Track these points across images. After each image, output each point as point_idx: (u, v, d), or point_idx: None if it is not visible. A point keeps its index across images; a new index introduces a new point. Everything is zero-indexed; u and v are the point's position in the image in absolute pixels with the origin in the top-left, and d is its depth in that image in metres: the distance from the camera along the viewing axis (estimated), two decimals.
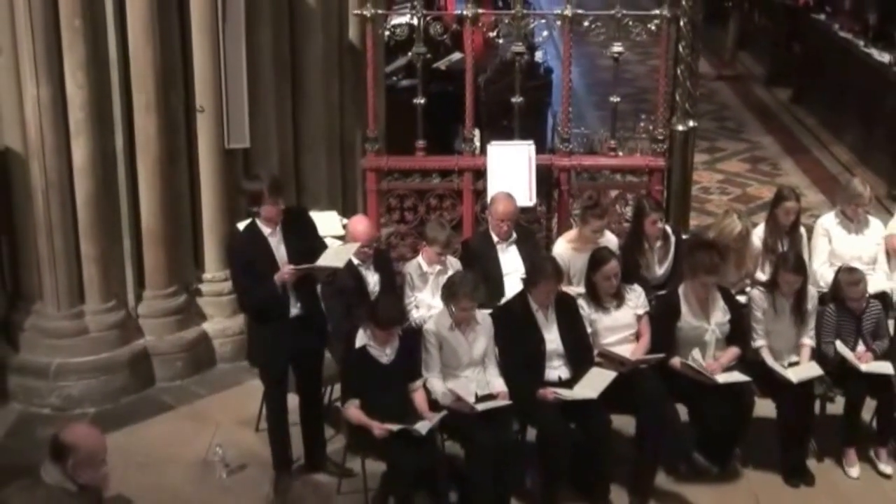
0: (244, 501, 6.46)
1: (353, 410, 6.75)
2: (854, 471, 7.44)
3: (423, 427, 6.58)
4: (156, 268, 8.22)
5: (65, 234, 7.82)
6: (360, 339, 6.83)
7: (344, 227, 7.84)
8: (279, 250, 6.83)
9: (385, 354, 6.81)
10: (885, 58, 12.43)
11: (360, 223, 7.60)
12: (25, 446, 7.36)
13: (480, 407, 6.81)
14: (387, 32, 8.67)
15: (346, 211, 8.44)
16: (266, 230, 6.83)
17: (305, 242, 6.95)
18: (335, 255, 6.98)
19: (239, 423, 7.79)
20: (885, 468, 7.47)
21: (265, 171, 7.48)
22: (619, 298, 7.31)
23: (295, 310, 6.93)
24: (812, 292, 7.52)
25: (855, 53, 13.24)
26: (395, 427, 6.55)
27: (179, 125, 8.13)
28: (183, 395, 8.23)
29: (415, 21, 8.64)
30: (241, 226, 7.89)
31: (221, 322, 8.55)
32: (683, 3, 8.44)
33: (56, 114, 7.58)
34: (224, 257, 8.31)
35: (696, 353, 7.19)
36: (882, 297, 7.76)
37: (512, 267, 7.67)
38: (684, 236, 8.37)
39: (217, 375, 8.48)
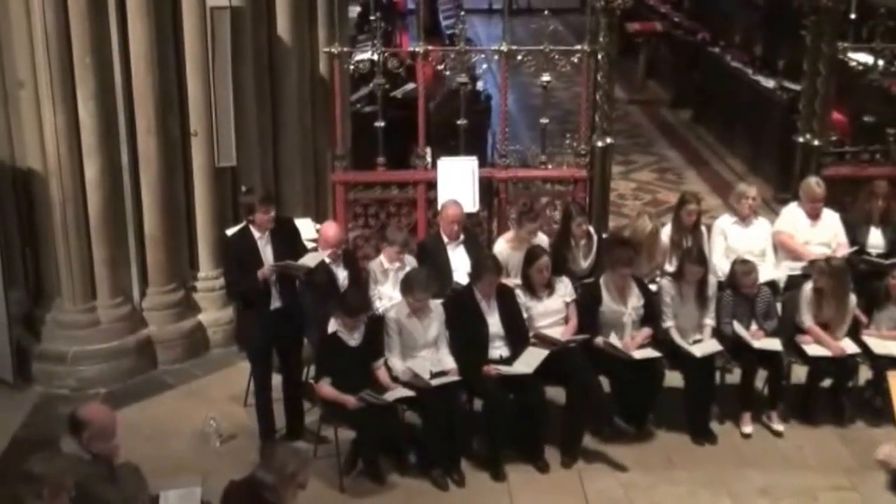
0: (235, 466, 6.35)
1: (326, 387, 6.75)
2: (749, 430, 7.45)
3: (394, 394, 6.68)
4: (157, 268, 8.18)
5: (79, 240, 7.80)
6: (332, 325, 6.86)
7: (317, 231, 7.79)
8: (266, 252, 6.95)
9: (353, 339, 6.80)
10: (770, 83, 12.54)
11: (330, 228, 7.69)
12: (47, 422, 7.31)
13: (434, 382, 6.83)
14: (351, 67, 8.64)
15: (319, 218, 8.40)
16: (257, 234, 6.96)
17: (290, 247, 7.05)
18: (310, 258, 7.09)
19: (230, 400, 7.73)
20: (776, 427, 7.48)
21: (261, 186, 7.61)
22: (550, 288, 7.30)
23: (277, 303, 7.00)
24: (712, 281, 7.55)
25: (744, 80, 13.34)
26: (368, 397, 6.58)
27: (176, 147, 8.09)
28: (182, 376, 8.17)
29: (375, 57, 8.66)
30: (230, 232, 7.95)
31: (214, 313, 8.49)
32: (601, 39, 8.41)
33: (70, 138, 7.57)
34: (215, 258, 8.37)
35: (613, 336, 7.19)
36: (771, 284, 7.79)
37: (460, 263, 7.62)
38: (604, 235, 8.37)
39: (211, 359, 8.41)
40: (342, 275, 7.44)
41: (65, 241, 7.76)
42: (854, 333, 7.55)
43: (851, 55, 9.51)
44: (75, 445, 4.99)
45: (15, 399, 7.74)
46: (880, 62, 9.05)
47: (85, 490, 4.50)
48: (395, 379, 6.86)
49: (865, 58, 9.28)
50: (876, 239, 8.11)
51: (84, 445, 4.97)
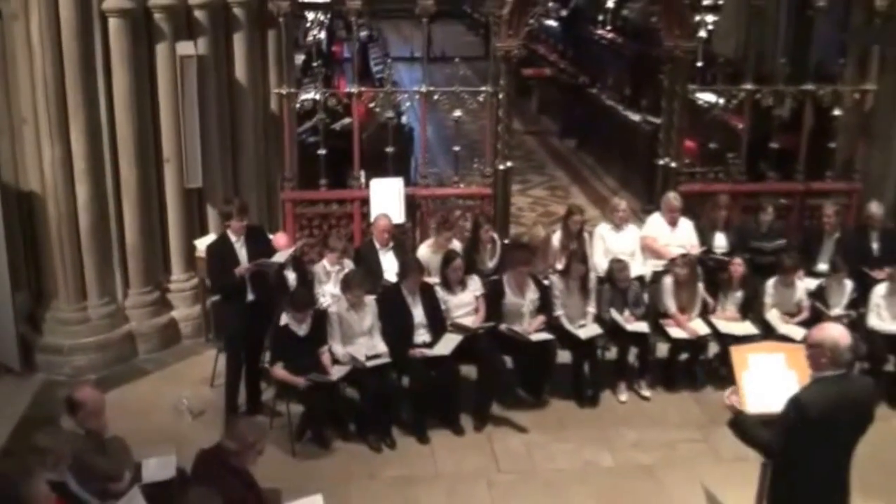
0: (205, 436, 6.23)
1: (279, 370, 6.70)
2: (624, 396, 7.54)
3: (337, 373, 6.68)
4: (137, 273, 8.05)
5: (72, 251, 7.67)
6: (283, 319, 6.78)
7: (271, 239, 7.64)
8: (241, 253, 6.94)
9: (301, 329, 6.75)
10: (636, 117, 12.60)
11: (282, 238, 7.69)
12: (49, 404, 7.15)
13: (369, 364, 6.79)
14: (297, 104, 8.58)
15: (272, 229, 8.28)
16: (233, 238, 6.95)
17: (261, 248, 7.03)
18: (279, 256, 7.11)
19: (199, 382, 7.62)
20: (645, 393, 7.59)
21: (237, 198, 7.50)
22: (463, 285, 7.30)
23: (251, 297, 6.94)
24: (593, 276, 7.61)
25: (617, 114, 13.38)
26: (314, 377, 6.55)
27: (152, 172, 7.96)
28: (158, 363, 8.02)
29: (317, 96, 8.63)
30: (198, 242, 7.97)
31: (185, 310, 8.34)
32: (501, 82, 8.43)
33: (65, 166, 7.47)
34: (185, 264, 8.28)
35: (515, 326, 7.22)
36: (639, 278, 7.87)
37: (389, 266, 7.59)
38: (506, 241, 8.40)
39: (182, 348, 8.26)
40: (291, 276, 7.37)
41: (60, 252, 7.64)
42: (704, 315, 7.68)
43: (699, 95, 9.68)
44: (72, 423, 4.96)
45: (21, 385, 7.58)
46: (721, 100, 9.22)
47: (80, 459, 4.43)
48: (336, 362, 6.81)
49: (710, 97, 9.47)
50: (720, 241, 8.20)
51: (79, 422, 4.93)
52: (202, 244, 7.81)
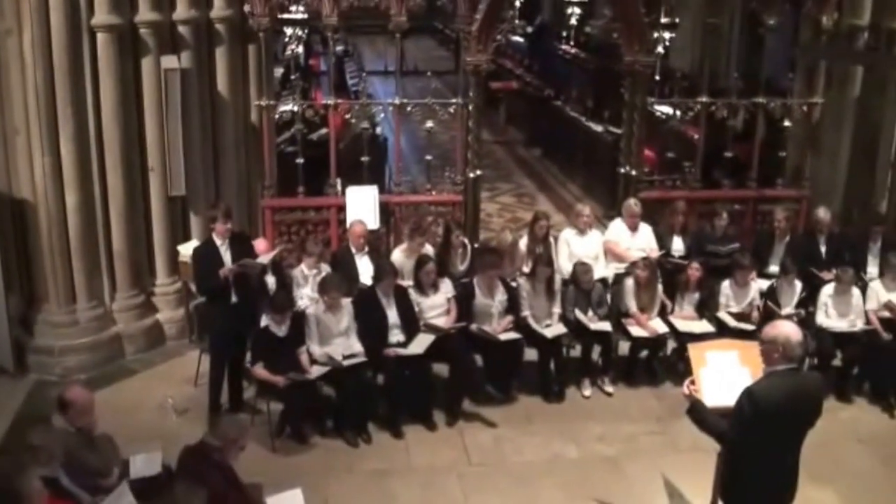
0: (190, 433, 6.18)
1: (260, 370, 6.67)
2: (588, 392, 7.58)
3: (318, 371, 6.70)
4: (123, 277, 8.00)
5: (62, 256, 7.62)
6: (264, 320, 6.75)
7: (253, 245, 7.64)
8: (226, 256, 6.92)
9: (281, 330, 6.72)
10: (599, 128, 12.65)
11: (262, 244, 7.66)
12: (41, 403, 7.07)
13: (346, 363, 6.78)
14: (276, 116, 8.53)
15: (253, 235, 8.24)
16: (218, 242, 6.93)
17: (244, 251, 7.00)
18: (262, 258, 7.13)
19: (183, 381, 7.56)
20: (608, 389, 7.63)
21: (222, 203, 7.46)
22: (435, 287, 7.30)
23: (235, 298, 6.92)
24: (558, 279, 7.64)
25: (580, 125, 13.42)
26: (293, 376, 6.53)
27: (137, 180, 7.91)
28: (144, 364, 7.97)
29: (295, 108, 8.58)
30: (182, 247, 7.94)
31: (169, 313, 8.30)
32: (471, 94, 8.47)
33: (55, 174, 7.43)
34: (169, 269, 8.23)
35: (485, 326, 7.24)
36: (602, 280, 7.91)
37: (365, 269, 7.57)
38: (476, 245, 8.41)
39: (167, 349, 8.21)
40: (271, 280, 7.32)
41: (51, 257, 7.58)
42: (662, 316, 7.76)
43: (657, 107, 9.78)
44: (63, 421, 4.92)
45: (15, 385, 7.51)
46: (678, 112, 9.31)
47: (71, 456, 4.40)
48: (314, 361, 6.78)
49: (667, 109, 9.56)
50: (678, 245, 8.27)
51: (69, 421, 4.89)
52: (185, 249, 7.80)
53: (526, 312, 7.46)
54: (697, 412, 4.74)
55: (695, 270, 7.71)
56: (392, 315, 7.05)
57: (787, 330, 4.52)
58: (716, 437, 4.68)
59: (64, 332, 7.74)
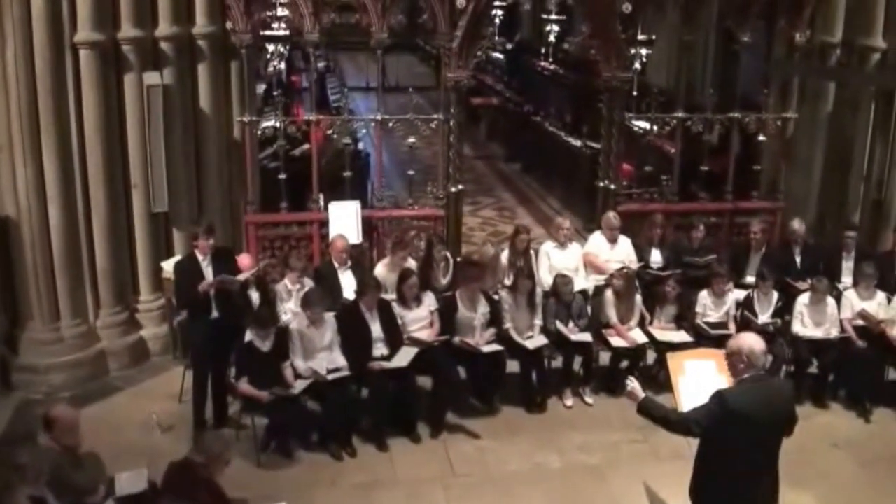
0: (175, 449, 6.17)
1: (244, 385, 6.64)
2: (570, 402, 7.61)
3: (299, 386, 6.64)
4: (107, 294, 7.95)
5: (46, 274, 7.58)
6: (248, 335, 6.72)
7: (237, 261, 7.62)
8: (207, 272, 6.88)
9: (265, 345, 6.70)
10: (577, 143, 12.70)
11: (246, 259, 7.65)
12: (26, 421, 6.98)
13: (330, 377, 6.77)
14: (258, 132, 8.49)
15: (236, 251, 8.20)
16: (200, 257, 6.89)
17: (226, 268, 6.97)
18: (242, 275, 7.08)
19: (168, 398, 7.50)
20: (589, 399, 7.66)
21: (205, 219, 7.46)
22: (418, 301, 7.31)
23: (216, 314, 6.89)
24: (539, 291, 7.66)
25: (559, 140, 13.49)
26: (277, 391, 6.53)
27: (120, 196, 7.88)
28: (129, 380, 7.91)
29: (278, 124, 8.54)
30: (165, 264, 7.90)
31: (152, 329, 8.26)
32: (452, 110, 8.50)
33: (38, 191, 7.39)
34: (153, 285, 8.20)
35: (467, 338, 7.24)
36: (582, 292, 7.94)
37: (348, 284, 7.56)
38: (458, 259, 8.44)
39: (151, 365, 8.16)
40: (255, 295, 7.30)
41: (35, 275, 7.53)
42: (642, 326, 7.79)
43: (635, 122, 9.83)
44: (48, 439, 4.88)
45: (0, 403, 7.41)
46: (655, 127, 9.37)
47: (57, 474, 4.37)
48: (298, 376, 6.75)
49: (644, 124, 9.63)
50: (656, 257, 8.32)
51: (55, 439, 4.86)
52: (169, 266, 7.75)
53: (508, 325, 7.47)
54: (645, 409, 4.79)
55: (671, 289, 7.79)
56: (375, 329, 7.04)
57: (749, 341, 4.63)
58: (662, 423, 4.74)
59: (48, 349, 7.67)
